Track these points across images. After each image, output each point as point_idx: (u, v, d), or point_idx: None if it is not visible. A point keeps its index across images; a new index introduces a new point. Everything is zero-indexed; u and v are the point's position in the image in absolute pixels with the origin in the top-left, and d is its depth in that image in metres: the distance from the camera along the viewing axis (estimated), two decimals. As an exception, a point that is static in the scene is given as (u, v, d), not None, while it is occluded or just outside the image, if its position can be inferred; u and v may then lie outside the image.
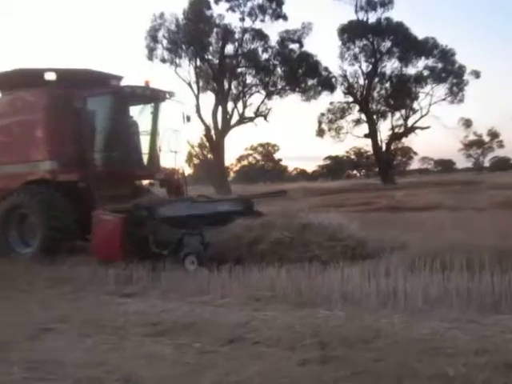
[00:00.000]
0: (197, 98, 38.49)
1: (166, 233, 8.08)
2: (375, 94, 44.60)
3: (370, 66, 43.02)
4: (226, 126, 39.56)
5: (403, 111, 44.60)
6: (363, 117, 44.80)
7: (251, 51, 39.46)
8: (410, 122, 44.74)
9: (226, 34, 38.43)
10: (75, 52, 78.72)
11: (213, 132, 39.44)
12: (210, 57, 39.47)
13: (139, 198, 9.68)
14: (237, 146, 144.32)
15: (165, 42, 38.15)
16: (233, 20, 41.62)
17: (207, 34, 38.22)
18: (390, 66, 43.18)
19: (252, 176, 74.17)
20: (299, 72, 40.29)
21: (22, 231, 9.73)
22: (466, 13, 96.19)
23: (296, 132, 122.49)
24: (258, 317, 5.03)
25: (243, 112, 40.74)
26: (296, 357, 3.88)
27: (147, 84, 10.36)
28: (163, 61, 38.12)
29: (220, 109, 39.26)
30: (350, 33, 41.71)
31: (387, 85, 44.06)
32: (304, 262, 6.99)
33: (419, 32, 42.28)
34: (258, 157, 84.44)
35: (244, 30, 38.94)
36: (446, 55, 42.12)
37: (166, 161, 11.64)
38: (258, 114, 41.04)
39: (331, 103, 45.22)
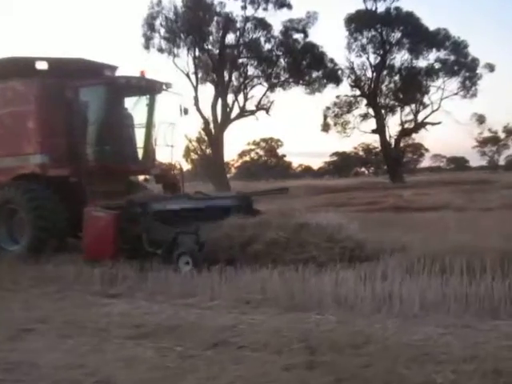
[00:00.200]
0: (195, 89, 38.54)
1: (160, 231, 8.12)
2: (384, 88, 44.59)
3: (379, 58, 42.98)
4: (226, 120, 39.58)
5: (413, 106, 44.58)
6: (371, 111, 44.81)
7: (253, 41, 39.44)
8: (420, 117, 44.76)
9: (227, 22, 38.41)
10: (68, 40, 78.75)
11: (212, 126, 39.47)
12: (209, 47, 39.47)
13: (133, 194, 9.69)
14: (238, 141, 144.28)
15: (162, 30, 38.19)
16: (234, 8, 41.81)
17: (207, 23, 38.19)
18: (400, 58, 43.17)
19: (254, 172, 74.13)
20: (303, 63, 40.27)
21: (11, 227, 9.79)
22: (479, 3, 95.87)
23: (300, 127, 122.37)
24: (246, 320, 5.10)
25: (244, 105, 40.80)
26: (282, 361, 3.95)
27: (143, 74, 10.35)
28: (160, 50, 38.15)
29: (220, 101, 39.28)
30: (358, 23, 41.66)
31: (396, 78, 44.03)
32: (299, 263, 7.07)
33: (430, 23, 42.49)
34: (261, 152, 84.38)
35: (246, 19, 38.93)
36: (459, 47, 42.07)
37: (162, 155, 11.75)
38: (259, 107, 41.07)
39: (337, 97, 45.29)
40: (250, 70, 40.97)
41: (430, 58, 42.83)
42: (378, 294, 5.57)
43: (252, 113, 41.23)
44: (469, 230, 9.31)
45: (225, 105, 39.56)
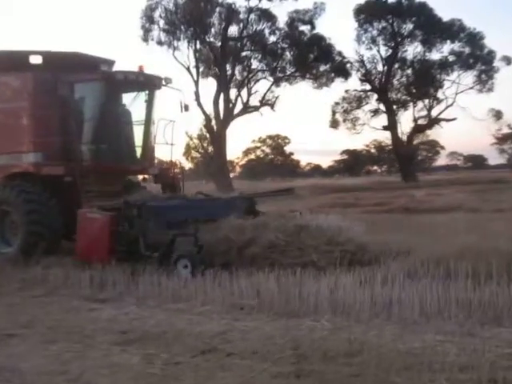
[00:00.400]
0: (196, 84, 38.72)
1: (157, 233, 8.13)
2: (395, 82, 44.74)
3: (390, 51, 43.10)
4: (229, 116, 39.70)
5: (426, 101, 44.63)
6: (382, 107, 44.95)
7: (257, 33, 39.61)
8: (433, 113, 44.71)
9: (230, 13, 38.56)
10: (63, 33, 79.27)
11: (214, 122, 39.62)
12: (211, 39, 39.71)
13: (130, 194, 9.67)
14: (242, 139, 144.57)
15: (162, 22, 38.44)
16: (237, -2, 41.61)
17: (209, 14, 38.37)
18: (412, 50, 43.27)
19: (260, 171, 74.27)
20: (310, 56, 40.36)
21: (3, 228, 9.85)
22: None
23: (307, 123, 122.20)
24: (238, 327, 5.15)
25: (248, 100, 41.00)
26: (270, 369, 4.00)
27: (141, 69, 10.37)
28: (160, 43, 38.39)
29: (222, 96, 39.43)
30: (368, 13, 41.74)
31: (409, 71, 44.13)
32: (298, 267, 7.12)
33: (444, 13, 42.57)
34: (267, 150, 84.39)
35: (249, 10, 39.10)
36: (474, 39, 42.05)
37: (162, 154, 11.79)
38: (264, 102, 41.21)
39: (346, 91, 45.33)
40: (254, 64, 41.23)
41: (444, 50, 43.00)
42: (377, 300, 5.61)
43: (256, 109, 41.37)
44: (479, 232, 9.33)
45: (227, 100, 39.68)
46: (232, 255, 7.92)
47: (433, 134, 49.42)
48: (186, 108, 11.01)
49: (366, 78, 44.03)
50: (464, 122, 50.30)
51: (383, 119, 45.12)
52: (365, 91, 45.45)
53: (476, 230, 9.77)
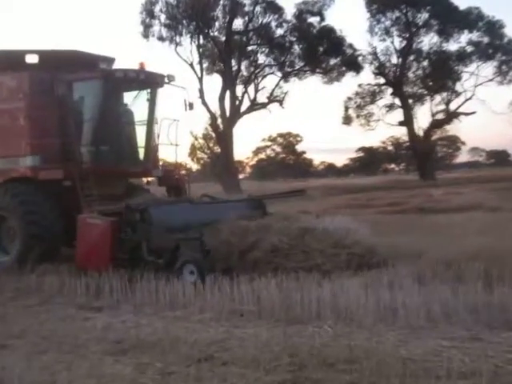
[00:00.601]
0: (200, 81, 38.82)
1: (161, 238, 8.18)
2: (411, 75, 44.54)
3: (404, 42, 42.95)
4: (235, 114, 39.77)
5: (444, 94, 44.38)
6: (397, 101, 44.80)
7: (263, 26, 39.64)
8: (452, 107, 44.52)
9: (234, 6, 38.66)
10: (61, 30, 79.66)
11: (219, 121, 39.71)
12: (215, 33, 39.78)
13: (133, 198, 9.59)
14: (250, 138, 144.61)
15: (163, 17, 38.55)
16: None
17: (212, 7, 38.48)
18: (428, 41, 43.09)
19: (271, 171, 74.30)
20: (320, 50, 40.35)
21: (0, 234, 9.94)
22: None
23: (319, 120, 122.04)
24: (236, 334, 5.23)
25: (255, 97, 41.06)
26: (266, 378, 4.07)
27: (142, 67, 10.40)
28: (161, 39, 38.48)
29: (228, 93, 39.51)
30: (380, 3, 41.66)
31: (425, 63, 43.92)
32: (301, 272, 7.19)
33: (460, 1, 42.31)
34: (278, 149, 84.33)
35: (255, 2, 39.17)
36: (493, 28, 41.82)
37: (166, 155, 11.82)
38: (272, 99, 41.25)
39: (359, 86, 45.26)
40: (261, 59, 41.28)
41: (462, 40, 42.73)
42: (382, 304, 5.66)
43: (264, 105, 41.40)
44: (495, 232, 9.35)
45: (233, 97, 39.75)
46: (233, 260, 8.00)
47: (452, 129, 49.21)
48: (191, 106, 11.06)
49: (380, 71, 43.94)
50: (484, 115, 50.01)
51: (399, 114, 45.04)
52: (379, 85, 45.38)
53: (493, 230, 9.80)
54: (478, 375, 3.79)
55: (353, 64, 41.39)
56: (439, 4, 40.80)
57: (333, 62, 41.44)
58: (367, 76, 45.87)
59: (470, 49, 42.77)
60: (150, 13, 38.23)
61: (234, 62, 40.03)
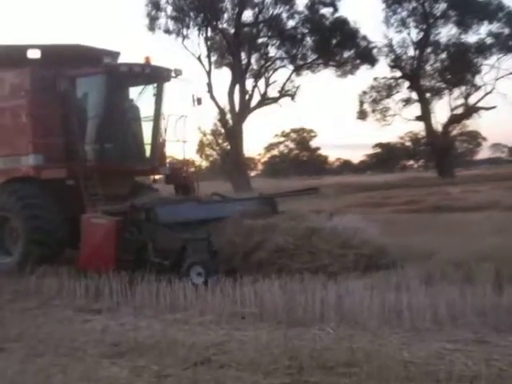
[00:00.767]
0: (209, 75, 38.74)
1: (167, 239, 8.25)
2: (428, 68, 44.22)
3: (422, 34, 42.66)
4: (245, 109, 39.69)
5: (463, 88, 44.05)
6: (414, 95, 44.50)
7: (274, 18, 39.54)
8: (471, 101, 44.23)
9: (244, -3, 38.62)
10: (63, 24, 79.98)
11: (229, 116, 39.73)
12: (224, 25, 39.69)
13: (138, 197, 9.62)
14: (262, 133, 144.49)
15: (169, 9, 38.44)
16: (252, -20, 41.63)
17: (220, -2, 38.48)
18: (446, 32, 42.71)
19: (284, 168, 74.18)
20: (333, 42, 40.24)
21: (2, 236, 10.04)
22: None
23: (333, 115, 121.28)
24: (237, 337, 5.33)
25: (265, 91, 40.92)
26: (265, 381, 4.16)
27: (148, 61, 10.38)
28: (167, 32, 38.35)
29: (237, 88, 39.40)
30: (396, -7, 41.49)
31: (443, 56, 43.58)
32: (307, 273, 7.26)
33: (480, -9, 41.73)
34: (291, 145, 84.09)
35: (265, -8, 39.09)
36: (515, 18, 41.50)
37: (173, 152, 11.82)
38: (283, 93, 41.17)
39: (375, 79, 45.08)
40: (272, 51, 41.03)
41: (481, 31, 42.33)
42: (387, 306, 5.72)
43: (275, 100, 41.30)
44: (509, 232, 9.36)
45: (243, 92, 39.65)
46: (237, 261, 8.08)
47: (472, 124, 48.85)
48: (199, 101, 11.09)
49: (396, 63, 43.69)
50: (505, 110, 49.67)
51: (416, 109, 44.82)
52: (395, 78, 45.11)
53: (508, 230, 9.80)
54: (483, 379, 3.84)
55: (367, 56, 41.18)
56: (458, -7, 40.59)
57: (346, 54, 41.14)
58: (383, 69, 45.67)
59: (489, 41, 42.34)
60: (155, 5, 38.15)
61: (243, 55, 39.92)
